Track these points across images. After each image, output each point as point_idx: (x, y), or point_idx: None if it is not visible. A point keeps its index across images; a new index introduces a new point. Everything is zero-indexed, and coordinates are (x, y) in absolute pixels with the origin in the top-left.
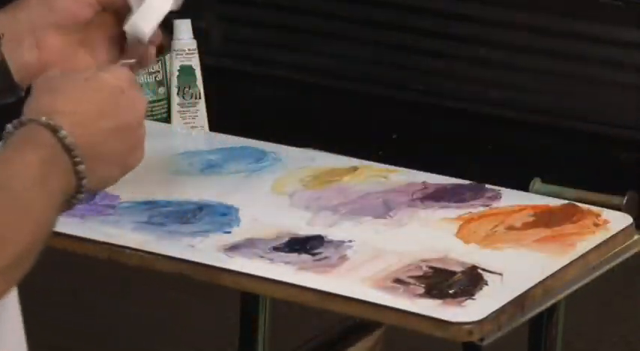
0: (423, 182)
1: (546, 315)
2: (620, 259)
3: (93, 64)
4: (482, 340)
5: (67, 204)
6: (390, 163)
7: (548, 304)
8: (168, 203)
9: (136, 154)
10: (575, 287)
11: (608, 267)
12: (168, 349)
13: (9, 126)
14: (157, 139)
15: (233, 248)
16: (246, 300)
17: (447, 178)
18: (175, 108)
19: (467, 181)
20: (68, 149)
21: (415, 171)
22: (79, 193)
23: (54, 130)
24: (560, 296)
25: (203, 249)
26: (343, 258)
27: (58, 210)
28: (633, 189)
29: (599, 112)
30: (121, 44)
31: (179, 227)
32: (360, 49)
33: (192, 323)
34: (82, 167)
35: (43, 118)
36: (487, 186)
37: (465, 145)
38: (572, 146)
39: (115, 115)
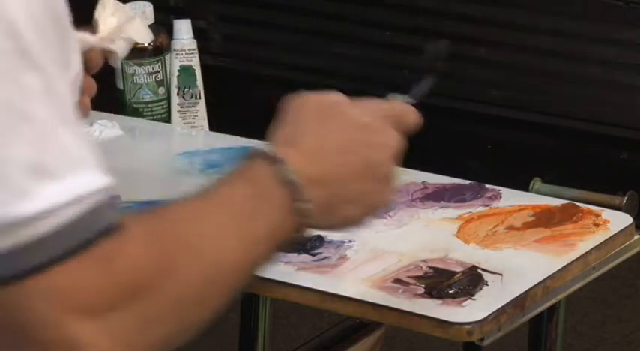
0: (423, 182)
1: (546, 315)
2: (620, 259)
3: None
4: (482, 340)
5: (283, 243)
6: None
7: (548, 304)
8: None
9: (383, 193)
10: (575, 287)
11: (608, 267)
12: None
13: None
14: (157, 139)
15: None
16: (246, 300)
17: (447, 178)
18: (175, 108)
19: (467, 181)
20: (290, 184)
21: (415, 171)
22: (298, 232)
23: (277, 163)
24: (560, 296)
25: None
26: (343, 258)
27: (262, 252)
28: (633, 189)
29: (599, 112)
30: None
31: None
32: (360, 49)
33: None
34: (303, 205)
35: (271, 151)
36: (487, 186)
37: (465, 145)
38: (572, 146)
39: (360, 153)
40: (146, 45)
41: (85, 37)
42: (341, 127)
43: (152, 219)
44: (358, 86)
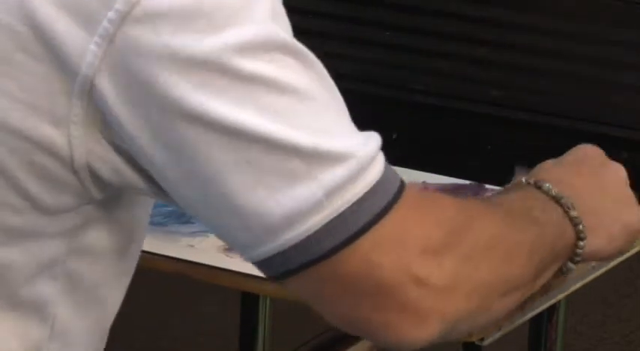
0: (423, 182)
1: (546, 315)
2: (620, 259)
3: None
4: (482, 340)
5: (567, 250)
6: (390, 163)
7: (548, 304)
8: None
9: (633, 211)
10: (575, 287)
11: (608, 267)
12: (168, 349)
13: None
14: None
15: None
16: (246, 300)
17: (447, 178)
18: None
19: (467, 181)
20: (556, 197)
21: (415, 171)
22: (575, 256)
23: (542, 184)
24: (560, 296)
25: (203, 249)
26: None
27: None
28: (633, 189)
29: (599, 112)
30: None
31: (179, 227)
32: (360, 49)
33: (192, 323)
34: (581, 227)
35: (547, 185)
36: (487, 186)
37: (465, 145)
38: (572, 146)
39: (597, 174)
40: None
41: None
42: (579, 163)
43: None
44: (358, 86)
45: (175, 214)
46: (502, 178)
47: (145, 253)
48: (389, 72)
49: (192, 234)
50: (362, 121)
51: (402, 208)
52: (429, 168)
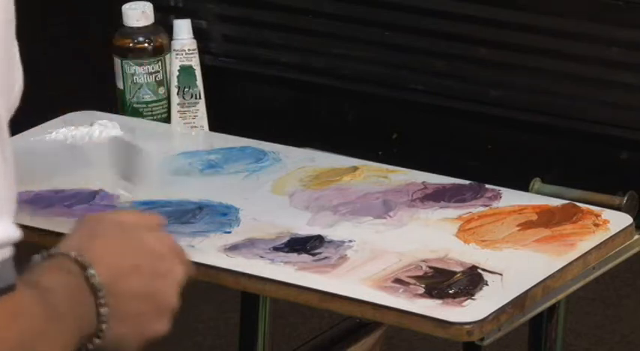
0: (423, 182)
1: (546, 315)
2: (620, 259)
3: None
4: (482, 340)
5: (81, 347)
6: (390, 163)
7: (548, 304)
8: (168, 203)
9: (157, 324)
10: (575, 287)
11: (608, 267)
12: (168, 349)
13: (37, 256)
14: (157, 139)
15: (233, 248)
16: (246, 300)
17: (447, 178)
18: (175, 108)
19: (467, 181)
20: (94, 289)
21: (415, 171)
22: (96, 338)
23: (82, 267)
24: (560, 296)
25: (203, 249)
26: (343, 258)
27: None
28: (633, 189)
29: (599, 112)
30: None
31: (179, 227)
32: (360, 49)
33: (192, 323)
34: (105, 310)
35: (73, 253)
36: (487, 186)
37: (465, 145)
38: (572, 146)
39: (148, 278)
40: (146, 45)
41: None
42: (134, 249)
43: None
44: (359, 86)
45: (175, 214)
46: (502, 178)
47: None
48: (389, 72)
49: (192, 234)
50: (362, 121)
51: None
52: (429, 168)
